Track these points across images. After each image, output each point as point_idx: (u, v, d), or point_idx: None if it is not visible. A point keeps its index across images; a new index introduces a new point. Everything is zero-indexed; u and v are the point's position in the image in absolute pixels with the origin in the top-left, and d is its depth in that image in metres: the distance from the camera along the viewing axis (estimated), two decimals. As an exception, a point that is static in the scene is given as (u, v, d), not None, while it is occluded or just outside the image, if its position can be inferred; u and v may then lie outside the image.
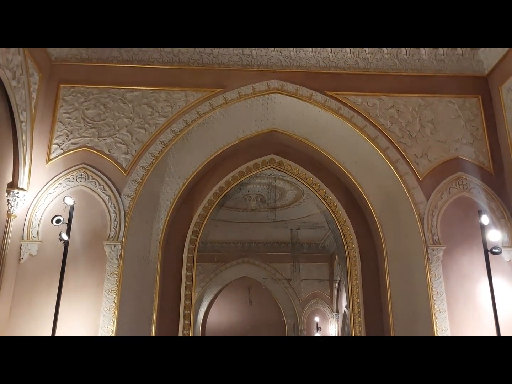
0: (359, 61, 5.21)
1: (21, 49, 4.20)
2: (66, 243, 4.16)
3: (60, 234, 4.10)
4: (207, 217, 5.50)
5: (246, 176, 5.67)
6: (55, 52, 4.98)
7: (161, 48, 5.09)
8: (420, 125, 5.04)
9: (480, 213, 4.42)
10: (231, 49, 5.15)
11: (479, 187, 4.82)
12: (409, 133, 5.01)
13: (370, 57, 5.20)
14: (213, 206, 5.54)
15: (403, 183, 4.85)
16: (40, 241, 4.44)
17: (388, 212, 5.20)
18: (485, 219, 4.33)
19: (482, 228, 4.33)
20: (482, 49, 5.09)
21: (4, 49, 3.95)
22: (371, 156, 5.07)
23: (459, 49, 5.19)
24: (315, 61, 5.21)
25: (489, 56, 5.06)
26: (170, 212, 5.17)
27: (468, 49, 5.19)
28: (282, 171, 5.73)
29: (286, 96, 5.15)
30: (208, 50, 5.15)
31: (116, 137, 4.86)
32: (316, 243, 10.88)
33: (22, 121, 4.32)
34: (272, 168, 5.71)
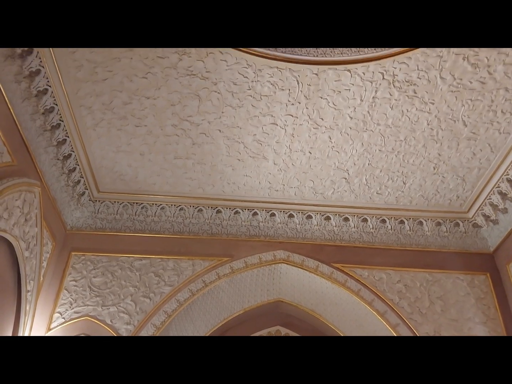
0: (364, 235, 5.36)
1: (38, 220, 4.44)
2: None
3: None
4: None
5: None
6: (71, 221, 5.25)
7: (173, 219, 5.34)
8: (430, 302, 4.94)
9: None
10: (239, 220, 5.38)
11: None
12: (419, 309, 4.88)
13: (374, 231, 5.35)
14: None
15: (416, 363, 4.56)
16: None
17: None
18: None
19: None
20: (485, 227, 5.23)
21: (22, 221, 4.18)
22: (381, 331, 4.88)
23: (461, 226, 5.34)
24: (320, 233, 5.38)
25: (492, 234, 5.18)
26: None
27: (470, 226, 5.34)
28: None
29: (292, 266, 5.20)
30: (217, 221, 5.38)
31: (120, 306, 4.81)
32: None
33: (28, 291, 4.35)
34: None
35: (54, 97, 4.20)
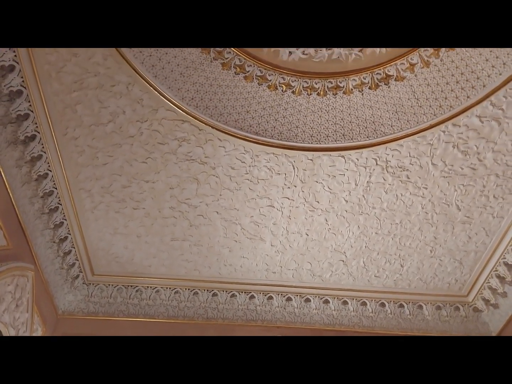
0: (363, 319, 5.22)
1: (30, 305, 4.31)
2: None
3: None
4: None
5: None
6: (63, 305, 5.11)
7: (168, 302, 5.21)
8: None
9: None
10: (236, 303, 5.26)
11: None
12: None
13: (373, 315, 5.22)
14: None
15: None
16: None
17: None
18: None
19: None
20: (486, 311, 5.13)
21: (13, 306, 4.06)
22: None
23: (462, 310, 5.24)
24: (319, 317, 5.24)
25: (493, 319, 5.06)
26: None
27: (471, 310, 5.24)
28: None
29: (290, 353, 5.01)
30: (213, 304, 5.25)
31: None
32: None
33: None
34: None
35: (54, 181, 4.27)
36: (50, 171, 4.20)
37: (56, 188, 4.33)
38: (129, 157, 4.25)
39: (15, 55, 3.50)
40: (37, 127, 3.90)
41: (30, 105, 3.77)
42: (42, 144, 4.01)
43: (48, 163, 4.14)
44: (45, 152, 4.06)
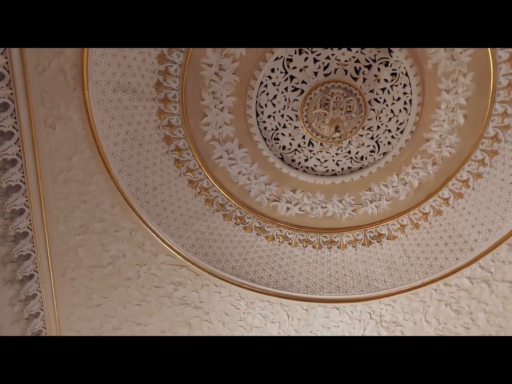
0: None
1: None
2: None
3: None
4: None
5: None
6: None
7: None
8: None
9: None
10: None
11: None
12: None
13: None
14: None
15: None
16: None
17: None
18: None
19: None
20: None
21: None
22: None
23: None
24: None
25: None
26: None
27: None
28: None
29: None
30: None
31: None
32: None
33: None
34: None
35: (44, 320, 4.20)
36: (42, 310, 4.15)
37: (45, 328, 4.24)
38: (124, 299, 4.24)
39: (27, 200, 3.69)
40: (36, 267, 3.95)
41: (33, 246, 3.87)
42: (39, 284, 4.02)
43: (42, 302, 4.11)
44: (40, 292, 4.06)
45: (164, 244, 4.04)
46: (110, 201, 3.82)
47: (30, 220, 3.75)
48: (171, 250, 4.08)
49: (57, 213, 3.81)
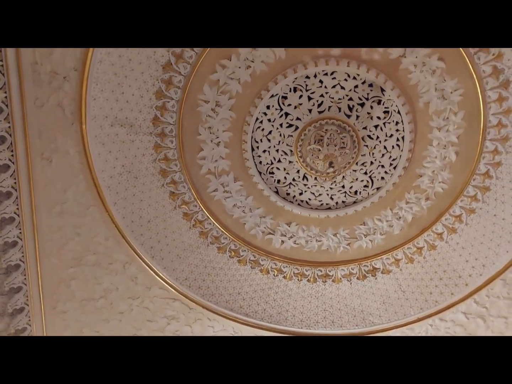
0: None
1: None
2: None
3: None
4: None
5: None
6: None
7: None
8: None
9: None
10: None
11: None
12: None
13: None
14: None
15: None
16: None
17: None
18: None
19: None
20: None
21: None
22: None
23: None
24: None
25: None
26: None
27: None
28: None
29: None
30: None
31: None
32: None
33: None
34: None
35: (33, 355, 4.11)
36: (32, 344, 4.07)
37: (34, 363, 4.15)
38: (115, 333, 4.18)
39: (20, 232, 3.67)
40: (27, 299, 3.90)
41: (25, 279, 3.82)
42: (29, 317, 3.96)
43: (32, 335, 4.04)
44: (30, 325, 3.99)
45: (157, 277, 4.01)
46: (104, 234, 3.80)
47: (22, 253, 3.72)
48: (165, 283, 4.04)
49: (51, 245, 3.78)
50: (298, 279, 4.21)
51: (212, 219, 3.97)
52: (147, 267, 3.96)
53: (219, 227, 4.01)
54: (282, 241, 4.12)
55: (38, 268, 3.83)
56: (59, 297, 3.98)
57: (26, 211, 3.51)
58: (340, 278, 4.16)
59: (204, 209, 3.92)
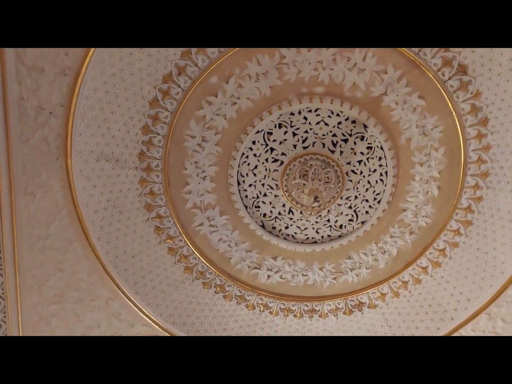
0: None
1: None
2: None
3: None
4: None
5: None
6: None
7: None
8: None
9: None
10: None
11: None
12: None
13: None
14: None
15: None
16: None
17: None
18: None
19: None
20: None
21: None
22: None
23: None
24: None
25: None
26: None
27: None
28: None
29: None
30: None
31: None
32: None
33: None
34: None
35: None
36: None
37: (10, 405, 3.98)
38: (96, 373, 4.05)
39: (1, 268, 3.59)
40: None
41: (4, 316, 3.72)
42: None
43: (8, 376, 3.89)
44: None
45: (141, 314, 3.92)
46: (87, 269, 3.73)
47: (3, 289, 3.63)
48: (148, 320, 3.96)
49: (32, 281, 3.70)
50: (284, 315, 4.16)
51: (197, 254, 3.94)
52: (131, 303, 3.88)
53: (204, 261, 3.97)
54: (268, 276, 4.09)
55: (18, 305, 3.73)
56: (39, 334, 3.87)
57: (7, 247, 3.44)
58: (327, 313, 4.13)
59: (189, 244, 3.89)
